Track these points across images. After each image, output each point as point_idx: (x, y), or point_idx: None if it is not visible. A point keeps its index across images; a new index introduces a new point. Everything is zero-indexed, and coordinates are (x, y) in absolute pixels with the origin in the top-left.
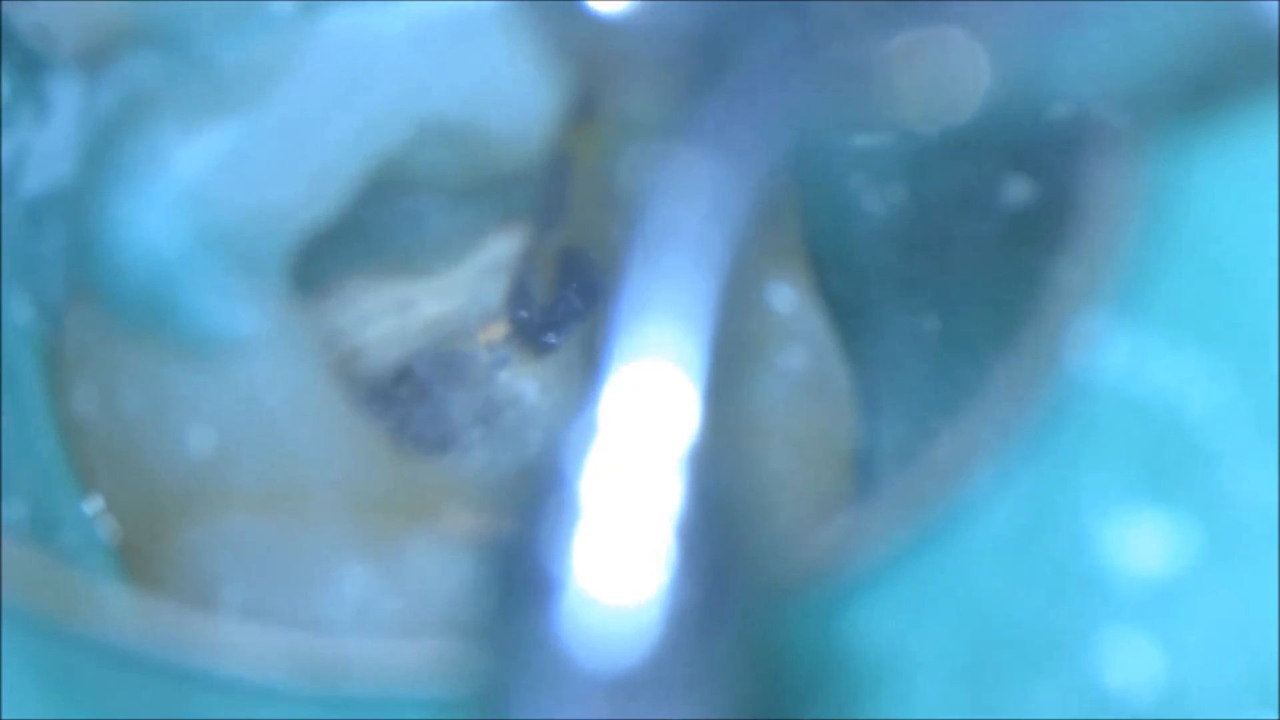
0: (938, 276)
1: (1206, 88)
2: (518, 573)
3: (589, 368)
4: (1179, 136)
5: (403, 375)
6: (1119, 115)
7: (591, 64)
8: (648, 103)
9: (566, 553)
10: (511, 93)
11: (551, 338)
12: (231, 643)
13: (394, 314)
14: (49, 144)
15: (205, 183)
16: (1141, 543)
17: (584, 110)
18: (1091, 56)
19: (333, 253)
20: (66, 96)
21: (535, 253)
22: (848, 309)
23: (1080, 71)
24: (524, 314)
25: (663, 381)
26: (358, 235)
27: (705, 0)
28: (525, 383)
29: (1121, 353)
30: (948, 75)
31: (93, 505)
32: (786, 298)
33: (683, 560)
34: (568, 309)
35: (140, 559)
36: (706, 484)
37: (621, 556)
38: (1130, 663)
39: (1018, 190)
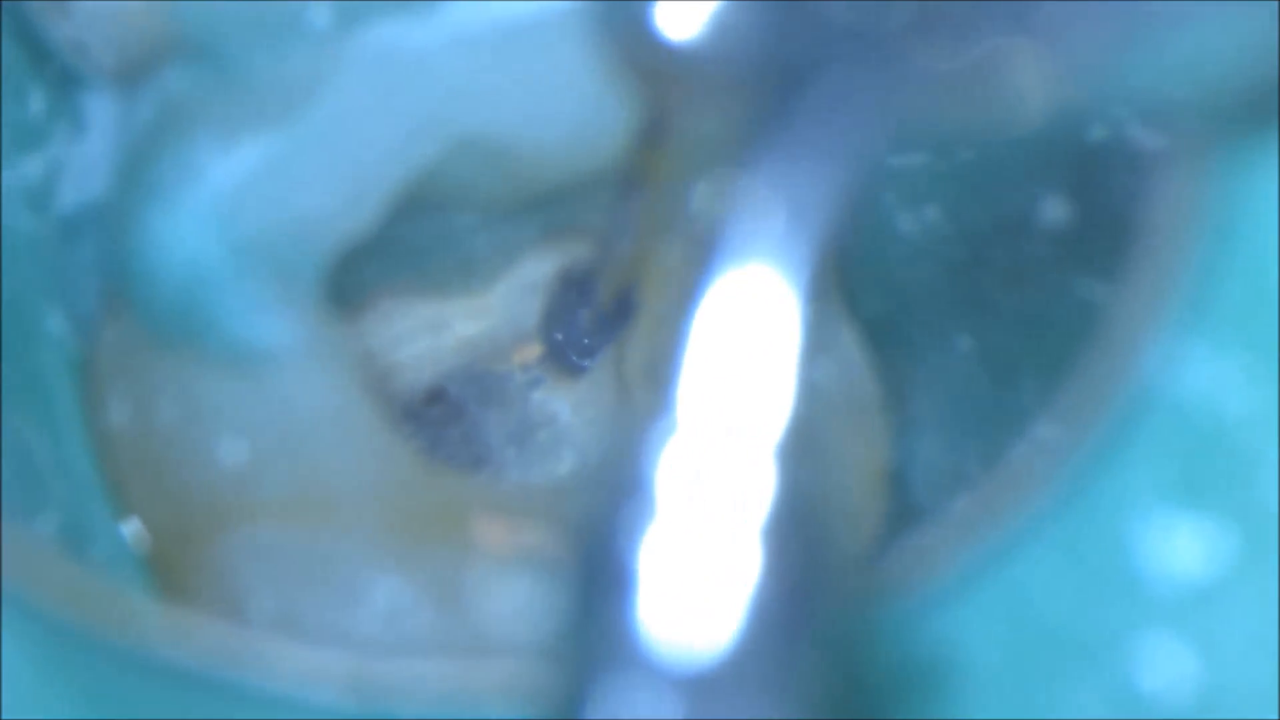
0: (972, 295)
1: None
2: (596, 574)
3: (625, 387)
4: (1240, 150)
5: (436, 395)
6: (1181, 127)
7: (660, 87)
8: (717, 127)
9: (644, 554)
10: (551, 110)
11: (586, 359)
12: (268, 658)
13: (428, 334)
14: (84, 159)
15: (240, 196)
16: (1179, 546)
17: (653, 134)
18: (1163, 67)
19: (367, 269)
20: (102, 111)
21: (598, 275)
22: (881, 327)
23: (1151, 82)
24: (559, 335)
25: (749, 382)
26: (393, 251)
27: (772, 22)
28: (559, 403)
29: (1161, 357)
30: (1019, 88)
31: (125, 516)
32: (817, 315)
33: (763, 561)
34: (602, 330)
35: (171, 569)
36: (788, 485)
37: (701, 557)
38: (1167, 665)
39: (1054, 210)
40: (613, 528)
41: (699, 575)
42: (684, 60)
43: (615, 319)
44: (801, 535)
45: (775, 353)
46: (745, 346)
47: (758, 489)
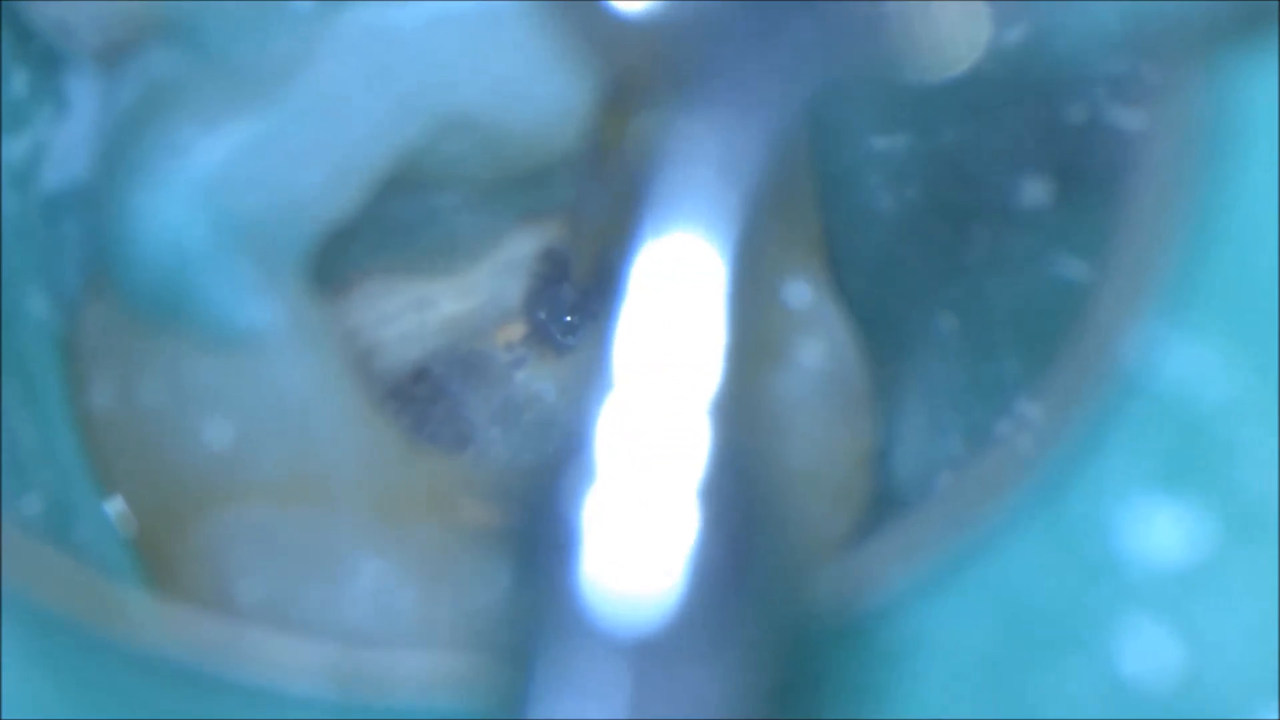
0: (955, 275)
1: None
2: (538, 541)
3: (606, 358)
4: (1221, 131)
5: (420, 374)
6: (1148, 70)
7: (616, 60)
8: (666, 87)
9: (587, 519)
10: (533, 89)
11: (570, 338)
12: (256, 650)
13: (412, 312)
14: (68, 139)
15: (223, 177)
16: (1160, 532)
17: (612, 106)
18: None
19: (352, 249)
20: (86, 91)
21: (572, 249)
22: (867, 307)
23: (1099, 21)
24: (543, 314)
25: (682, 343)
26: (377, 231)
27: None
28: (543, 383)
29: (1142, 343)
30: (951, 27)
31: (109, 497)
32: (805, 296)
33: (704, 525)
34: (587, 309)
35: (157, 552)
36: (728, 449)
37: (643, 522)
38: (1149, 650)
39: (1035, 190)
40: (554, 491)
41: (639, 538)
42: (640, 34)
43: (597, 296)
44: (741, 496)
45: (706, 307)
46: (677, 301)
47: (694, 449)
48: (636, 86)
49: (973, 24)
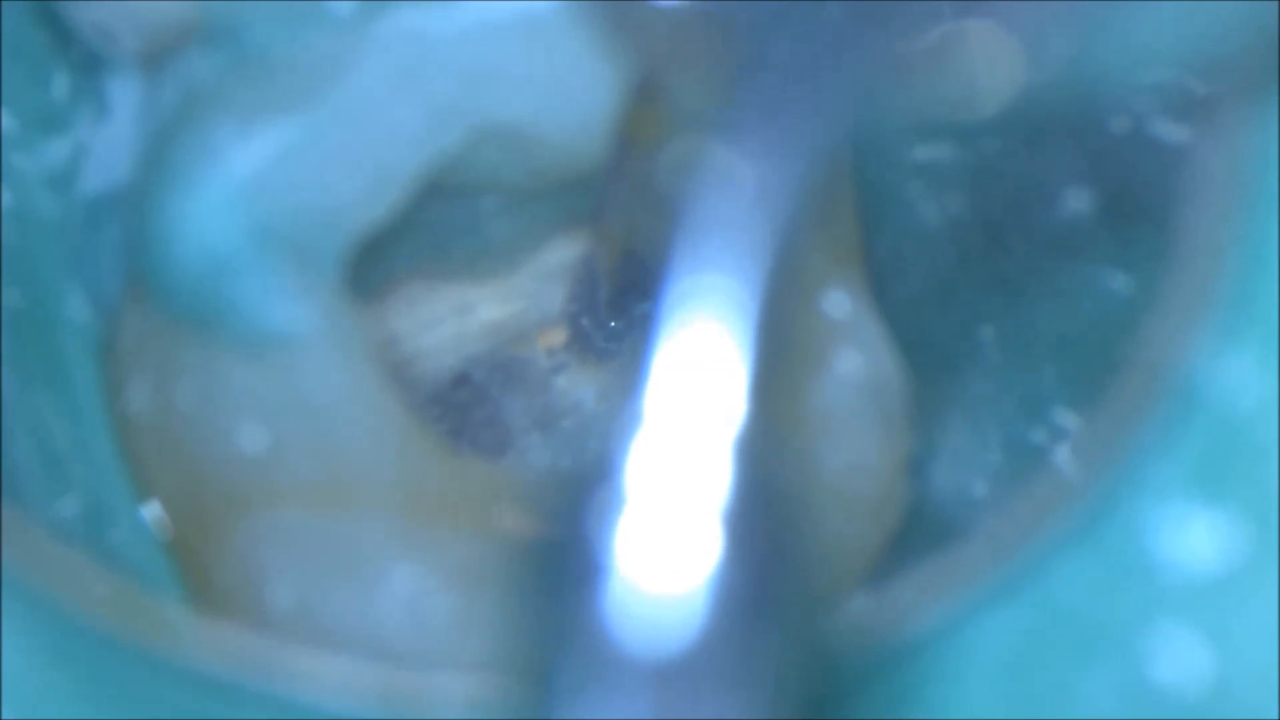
0: (994, 285)
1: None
2: (564, 561)
3: (643, 370)
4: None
5: (460, 380)
6: (1194, 94)
7: (648, 55)
8: (697, 98)
9: (612, 542)
10: (573, 95)
11: (611, 344)
12: (290, 663)
13: (452, 318)
14: (108, 142)
15: (261, 181)
16: (1194, 537)
17: (640, 105)
18: (1142, 37)
19: (390, 254)
20: (126, 95)
21: (597, 255)
22: (906, 318)
23: (1133, 55)
24: (584, 320)
25: (710, 372)
26: (415, 236)
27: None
28: (584, 389)
29: (1195, 358)
30: (980, 69)
31: (145, 501)
32: (844, 305)
33: (729, 550)
34: (628, 315)
35: (192, 554)
36: (754, 474)
37: (668, 545)
38: (1182, 657)
39: (1076, 200)
40: (582, 516)
41: (665, 561)
42: (672, 29)
43: (631, 302)
44: (769, 522)
45: (736, 334)
46: (707, 328)
47: (721, 478)
48: (662, 90)
49: (1009, 63)
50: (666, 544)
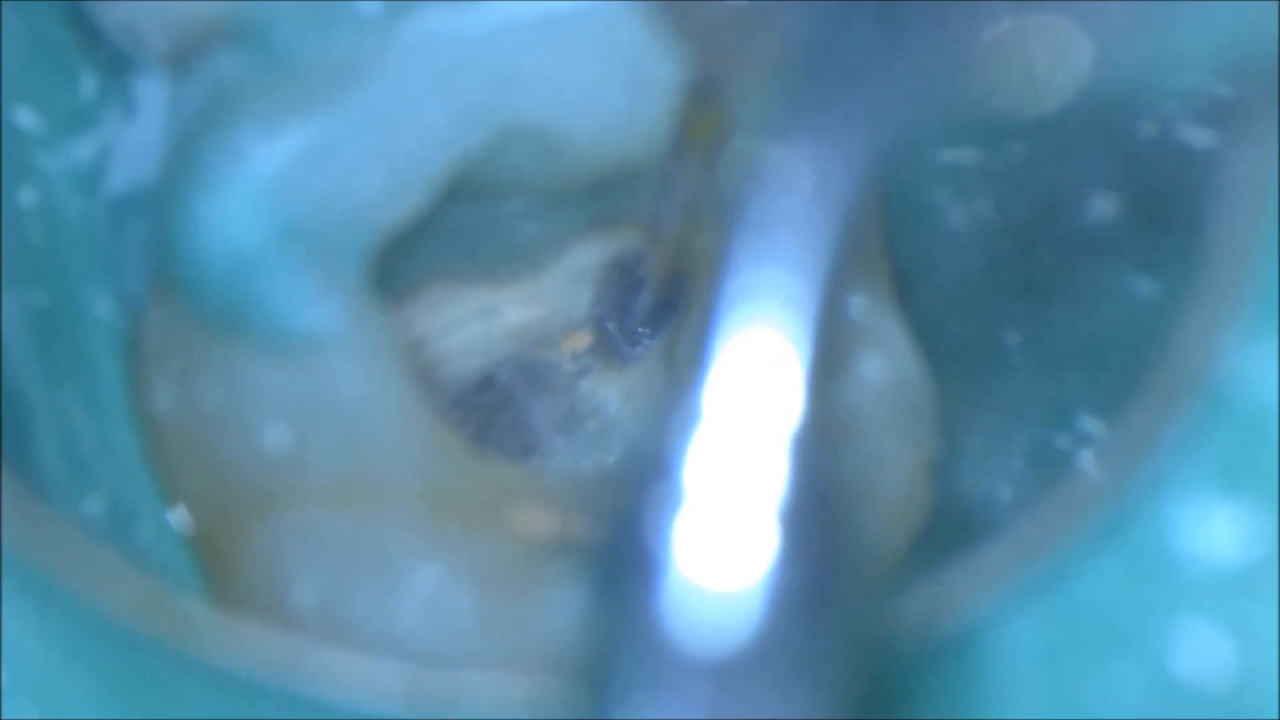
0: (1020, 290)
1: None
2: (621, 559)
3: (674, 375)
4: None
5: (485, 383)
6: (1230, 118)
7: (706, 56)
8: (755, 98)
9: (669, 539)
10: (597, 98)
11: (636, 348)
12: (317, 662)
13: (477, 321)
14: (134, 142)
15: (287, 181)
16: (1217, 534)
17: (698, 105)
18: (1171, 41)
19: (415, 256)
20: (153, 95)
21: (648, 256)
22: (930, 320)
23: (1196, 56)
24: (609, 324)
25: (767, 370)
26: (441, 238)
27: None
28: (608, 392)
29: (1224, 361)
30: (1048, 63)
31: (170, 499)
32: (866, 307)
33: (786, 547)
34: (654, 319)
35: (216, 553)
36: (810, 471)
37: (725, 543)
38: (1205, 652)
39: (1103, 205)
40: (639, 514)
41: (720, 559)
42: (732, 27)
43: (667, 307)
44: (823, 518)
45: (791, 333)
46: (762, 328)
47: (778, 476)
48: (720, 90)
49: (1072, 57)
50: (724, 541)
